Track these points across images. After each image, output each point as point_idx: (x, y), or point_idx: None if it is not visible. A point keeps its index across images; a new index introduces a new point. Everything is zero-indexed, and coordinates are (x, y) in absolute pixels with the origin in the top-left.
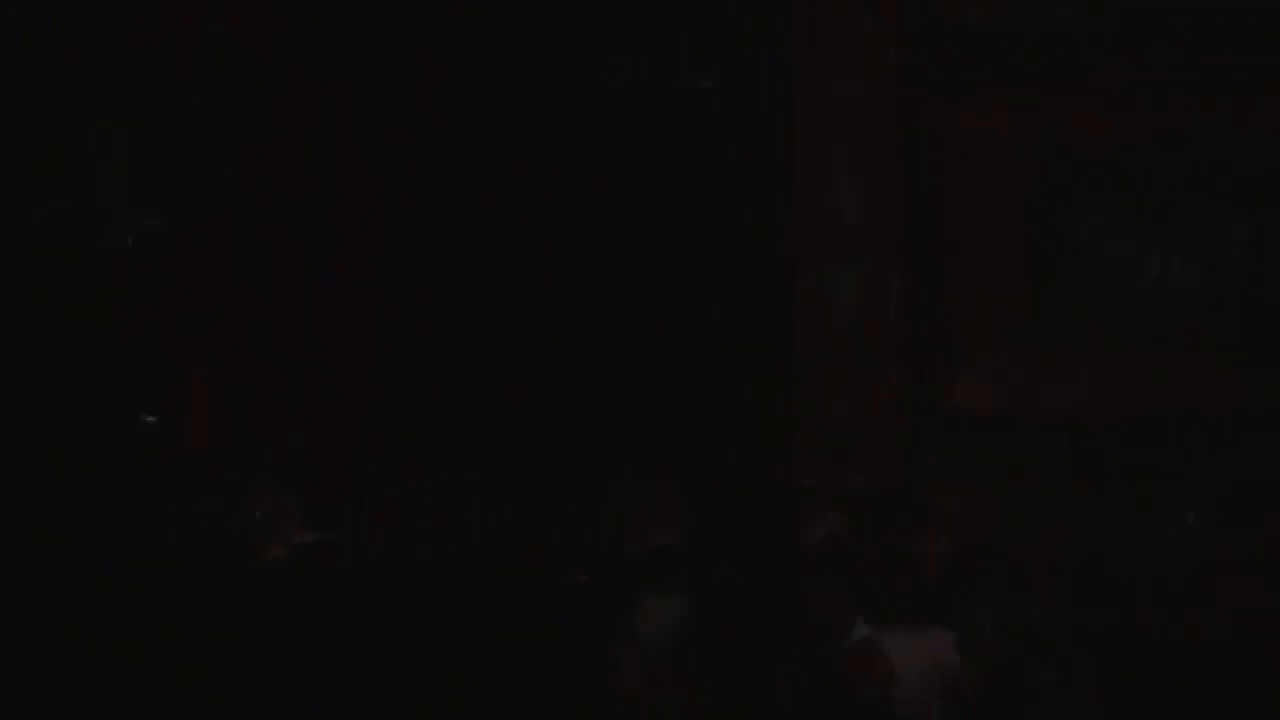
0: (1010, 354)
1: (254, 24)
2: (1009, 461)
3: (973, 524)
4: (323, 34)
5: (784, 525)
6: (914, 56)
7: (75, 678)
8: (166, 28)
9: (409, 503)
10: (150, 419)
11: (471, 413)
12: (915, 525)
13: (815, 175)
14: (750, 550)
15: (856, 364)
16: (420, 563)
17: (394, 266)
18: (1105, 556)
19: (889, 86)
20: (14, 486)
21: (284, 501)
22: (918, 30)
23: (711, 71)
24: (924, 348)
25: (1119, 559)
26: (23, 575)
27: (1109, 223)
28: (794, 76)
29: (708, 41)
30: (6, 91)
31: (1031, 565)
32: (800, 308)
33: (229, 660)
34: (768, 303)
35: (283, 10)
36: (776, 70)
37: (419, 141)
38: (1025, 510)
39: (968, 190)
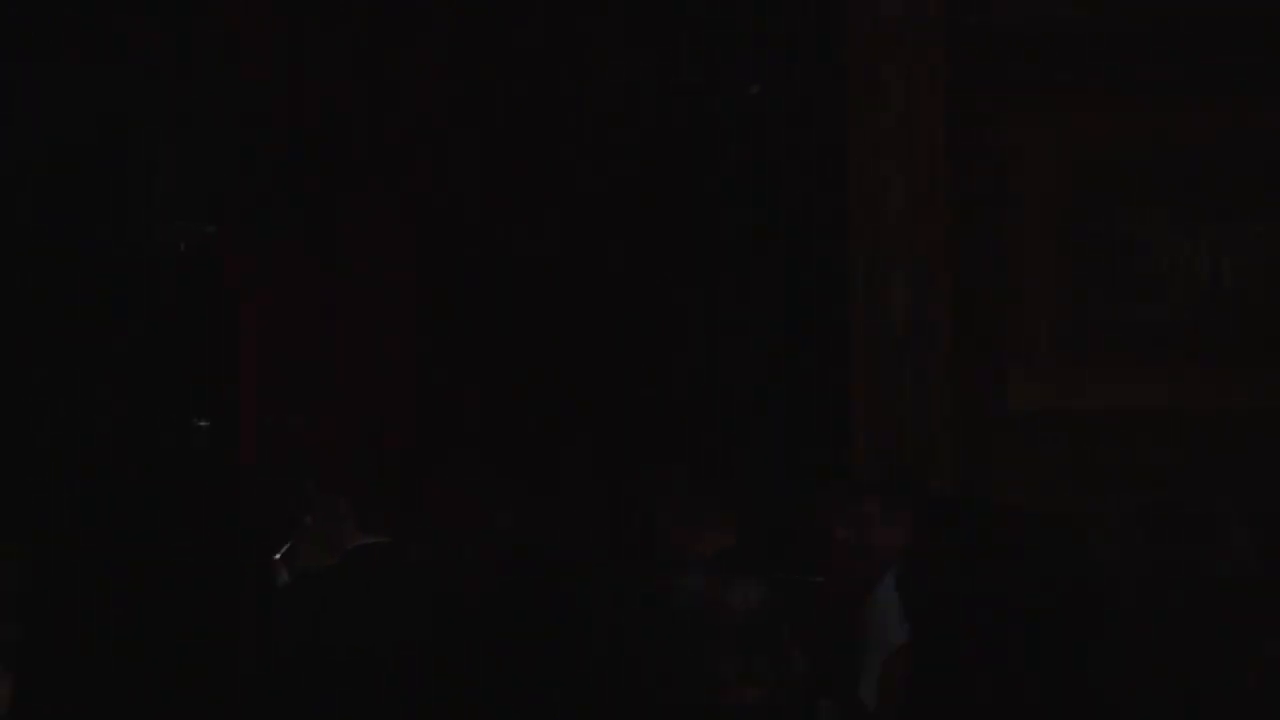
0: (1062, 355)
1: (308, 32)
2: (1065, 463)
3: None
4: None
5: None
6: (962, 61)
7: (111, 681)
8: (219, 31)
9: (456, 505)
10: (202, 423)
11: (517, 414)
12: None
13: (865, 180)
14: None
15: (910, 368)
16: (470, 566)
17: (434, 268)
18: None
19: (938, 90)
20: (63, 490)
21: (335, 506)
22: (966, 34)
23: (761, 77)
24: (977, 351)
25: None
26: (70, 577)
27: (1160, 225)
28: (843, 81)
29: (757, 47)
30: (61, 94)
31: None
32: (852, 312)
33: (278, 666)
34: (820, 308)
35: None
36: (826, 75)
37: (450, 149)
38: (1082, 511)
39: (1018, 193)
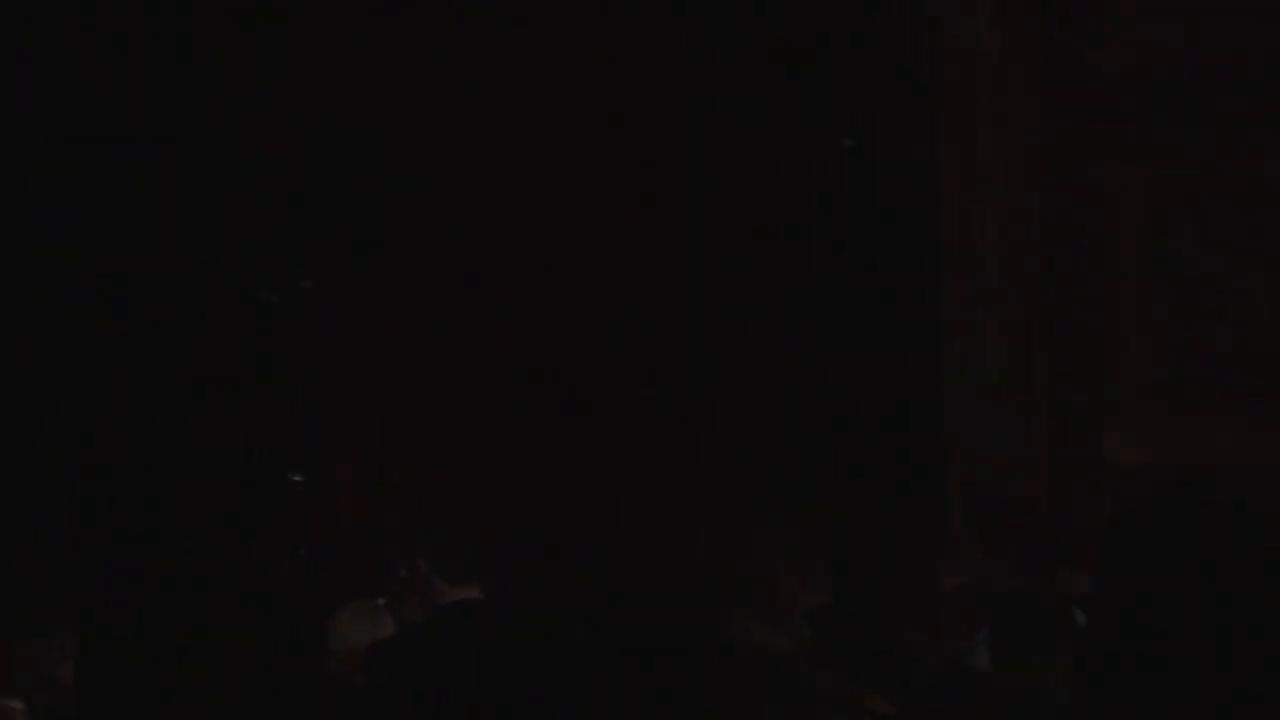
0: (1159, 405)
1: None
2: None
3: None
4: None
5: (932, 580)
6: (1058, 108)
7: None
8: (317, 83)
9: (546, 553)
10: (298, 479)
11: (613, 462)
12: None
13: (961, 230)
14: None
15: (1006, 419)
16: (568, 619)
17: (520, 313)
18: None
19: (1033, 139)
20: (154, 538)
21: (427, 560)
22: (1061, 82)
23: (855, 128)
24: (1073, 401)
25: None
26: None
27: (1256, 272)
28: (937, 131)
29: (851, 98)
30: (163, 142)
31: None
32: (947, 363)
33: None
34: (916, 359)
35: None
36: (920, 126)
37: (533, 195)
38: None
39: (1113, 241)
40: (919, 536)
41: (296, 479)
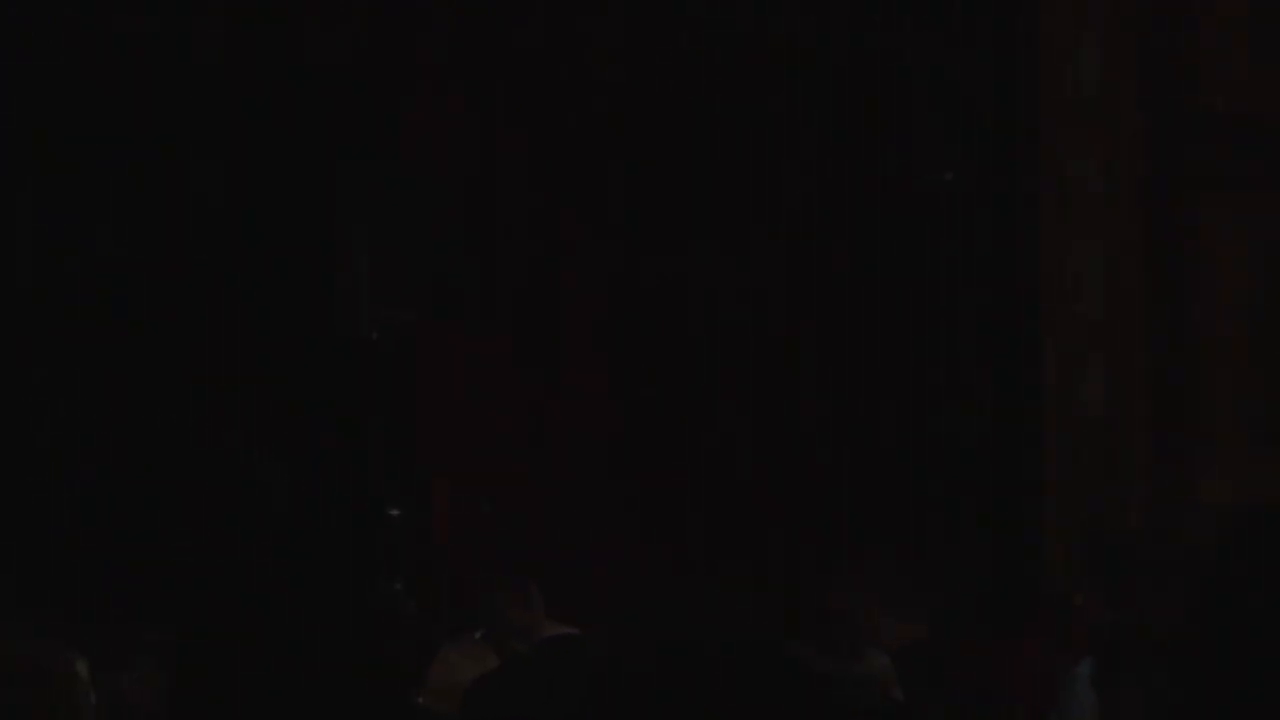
0: (1255, 447)
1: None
2: None
3: None
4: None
5: (1030, 620)
6: (1158, 146)
7: None
8: (418, 124)
9: (651, 596)
10: (395, 513)
11: (708, 502)
12: None
13: (1060, 267)
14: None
15: (1105, 457)
16: (667, 657)
17: (630, 355)
18: None
19: (1133, 177)
20: (251, 578)
21: (527, 595)
22: (1161, 120)
23: (955, 164)
24: (1173, 440)
25: None
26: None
27: None
28: (1037, 168)
29: (952, 131)
30: (262, 181)
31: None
32: (1047, 401)
33: None
34: (1015, 398)
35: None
36: (1019, 162)
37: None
38: None
39: (1214, 279)
40: (1016, 570)
41: (394, 513)
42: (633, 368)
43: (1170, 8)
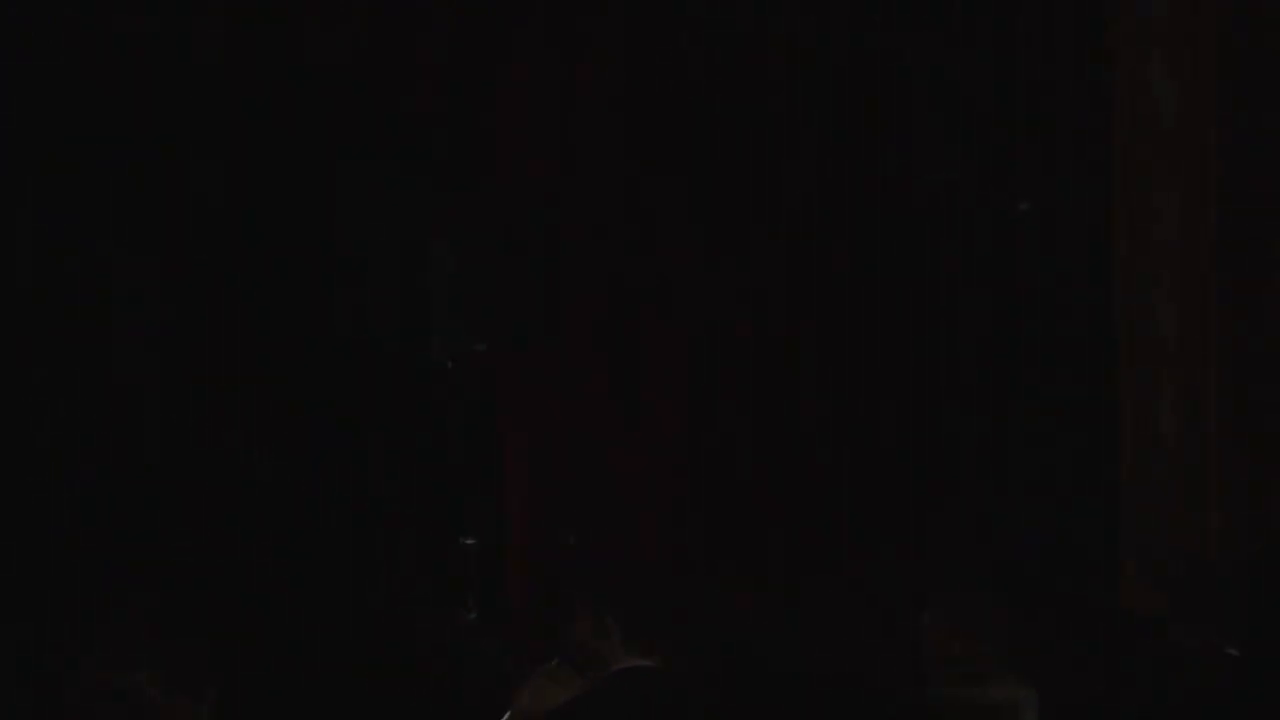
0: None
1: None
2: None
3: None
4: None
5: (1106, 651)
6: (1235, 177)
7: None
8: (499, 151)
9: (719, 623)
10: (469, 542)
11: (789, 532)
12: None
13: (1135, 299)
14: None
15: (1180, 489)
16: (744, 689)
17: (704, 384)
18: None
19: (1207, 209)
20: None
21: (602, 625)
22: (1239, 151)
23: (1029, 194)
24: (1249, 472)
25: None
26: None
27: None
28: (1110, 198)
29: (1026, 163)
30: (344, 207)
31: None
32: (1122, 432)
33: None
34: (1090, 428)
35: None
36: (1093, 192)
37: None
38: None
39: None
40: (1090, 601)
41: (470, 542)
42: (712, 399)
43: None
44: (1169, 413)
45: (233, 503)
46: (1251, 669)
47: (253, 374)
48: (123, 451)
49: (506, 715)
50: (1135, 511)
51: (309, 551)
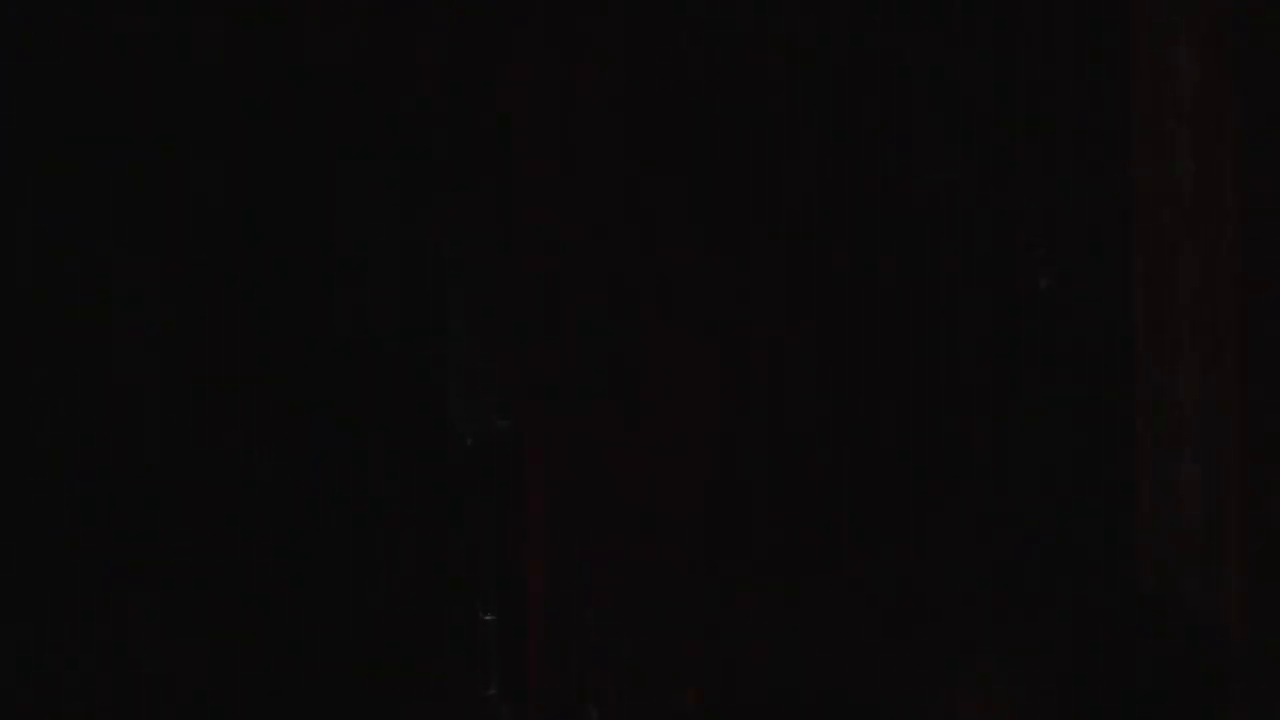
0: None
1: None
2: None
3: None
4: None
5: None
6: (1259, 244)
7: None
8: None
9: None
10: (488, 617)
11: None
12: None
13: (1158, 370)
14: None
15: (1199, 568)
16: None
17: (732, 455)
18: None
19: (1232, 279)
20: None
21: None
22: (1262, 215)
23: (1050, 270)
24: (1268, 543)
25: None
26: None
27: None
28: (1131, 274)
29: (1046, 239)
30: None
31: None
32: (1142, 504)
33: None
34: (1109, 501)
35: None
36: (1114, 265)
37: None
38: None
39: None
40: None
41: (489, 617)
42: (742, 463)
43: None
44: (1188, 483)
45: (250, 571)
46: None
47: (266, 433)
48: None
49: None
50: (1151, 569)
51: (323, 628)
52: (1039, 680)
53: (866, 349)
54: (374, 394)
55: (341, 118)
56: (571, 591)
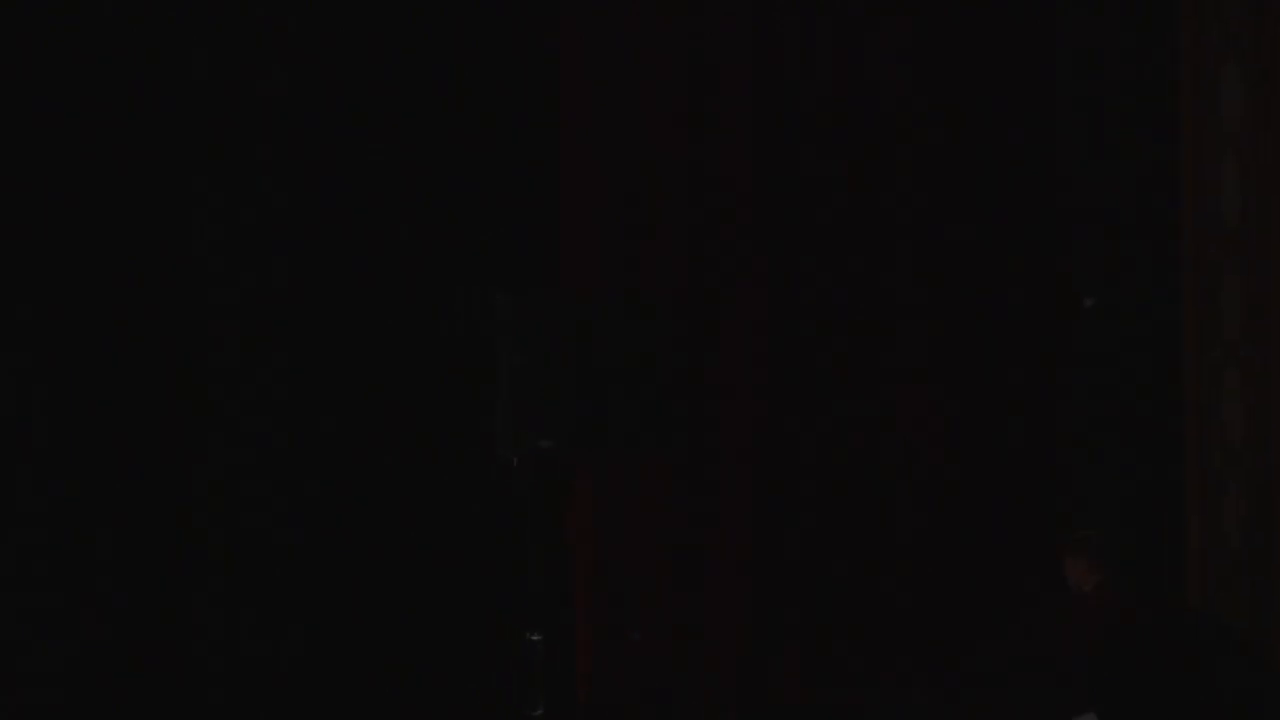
0: None
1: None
2: None
3: None
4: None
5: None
6: None
7: None
8: (569, 254)
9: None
10: (535, 638)
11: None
12: None
13: (1203, 394)
14: None
15: (1246, 596)
16: None
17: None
18: None
19: (1276, 304)
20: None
21: None
22: None
23: (1095, 288)
24: None
25: None
26: None
27: None
28: (1179, 295)
29: (1094, 256)
30: (418, 307)
31: None
32: (1189, 531)
33: None
34: (1151, 523)
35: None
36: (1160, 285)
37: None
38: None
39: None
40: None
41: (535, 638)
42: (783, 488)
43: None
44: (1232, 511)
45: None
46: None
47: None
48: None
49: None
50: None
51: (371, 650)
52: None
53: (914, 385)
54: (423, 417)
55: (415, 151)
56: (618, 613)
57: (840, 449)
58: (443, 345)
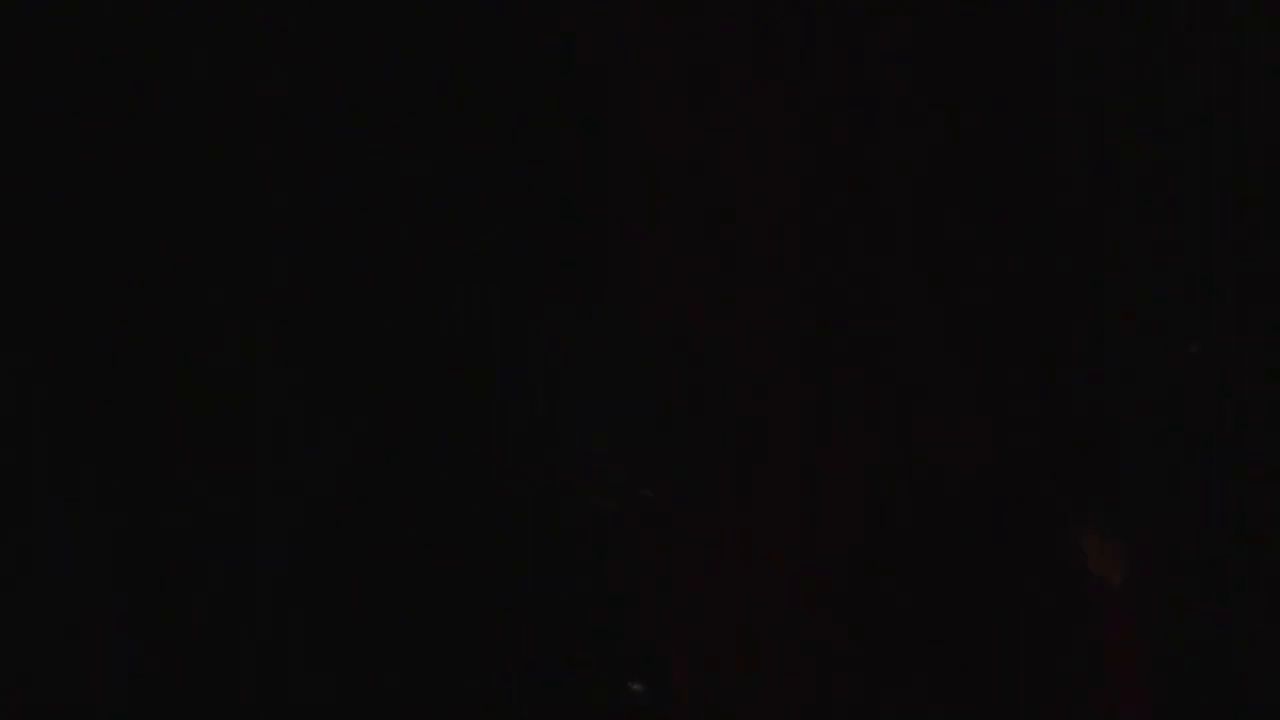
0: None
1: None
2: None
3: None
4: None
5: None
6: None
7: None
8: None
9: None
10: (637, 688)
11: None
12: None
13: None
14: None
15: None
16: None
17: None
18: None
19: None
20: None
21: None
22: None
23: (1202, 335)
24: None
25: None
26: None
27: None
28: None
29: (1193, 301)
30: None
31: None
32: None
33: None
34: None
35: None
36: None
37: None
38: None
39: None
40: None
41: (635, 687)
42: (882, 547)
43: None
44: None
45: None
46: None
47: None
48: None
49: None
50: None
51: (468, 703)
52: None
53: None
54: (515, 461)
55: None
56: (719, 665)
57: (944, 502)
58: (536, 388)
